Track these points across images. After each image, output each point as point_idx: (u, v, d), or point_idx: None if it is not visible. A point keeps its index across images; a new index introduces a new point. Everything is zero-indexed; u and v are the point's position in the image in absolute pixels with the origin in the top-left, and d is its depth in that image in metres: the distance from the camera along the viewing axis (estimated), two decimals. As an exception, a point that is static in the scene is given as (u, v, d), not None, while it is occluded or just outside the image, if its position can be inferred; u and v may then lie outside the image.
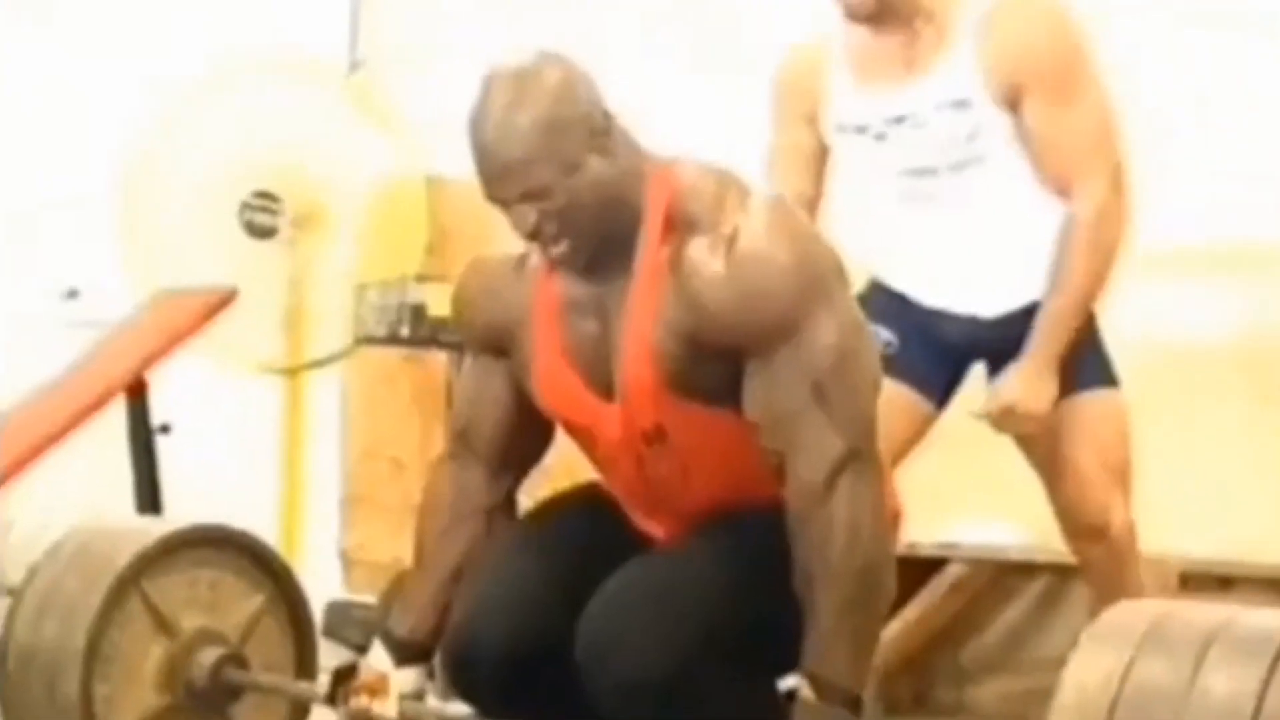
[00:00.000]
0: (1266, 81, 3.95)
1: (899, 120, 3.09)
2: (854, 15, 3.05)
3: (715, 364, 2.54)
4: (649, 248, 2.55)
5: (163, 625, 2.93)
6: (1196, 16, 3.94)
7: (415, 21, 5.17)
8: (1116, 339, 3.18)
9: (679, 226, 2.54)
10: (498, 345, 2.70)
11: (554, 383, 2.64)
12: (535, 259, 2.64)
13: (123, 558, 2.92)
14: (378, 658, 2.76)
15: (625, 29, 4.90)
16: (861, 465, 2.51)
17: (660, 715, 2.47)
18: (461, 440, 2.76)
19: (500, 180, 2.52)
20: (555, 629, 2.56)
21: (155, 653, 2.93)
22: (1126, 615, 2.14)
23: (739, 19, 4.74)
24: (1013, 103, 3.02)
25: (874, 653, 2.59)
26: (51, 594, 2.92)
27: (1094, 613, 3.19)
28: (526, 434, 2.74)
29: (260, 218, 4.67)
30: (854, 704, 2.55)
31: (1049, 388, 3.04)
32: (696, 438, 2.57)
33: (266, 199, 4.67)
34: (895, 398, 3.13)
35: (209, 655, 2.94)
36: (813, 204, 3.28)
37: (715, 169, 2.62)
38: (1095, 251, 3.01)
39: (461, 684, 2.67)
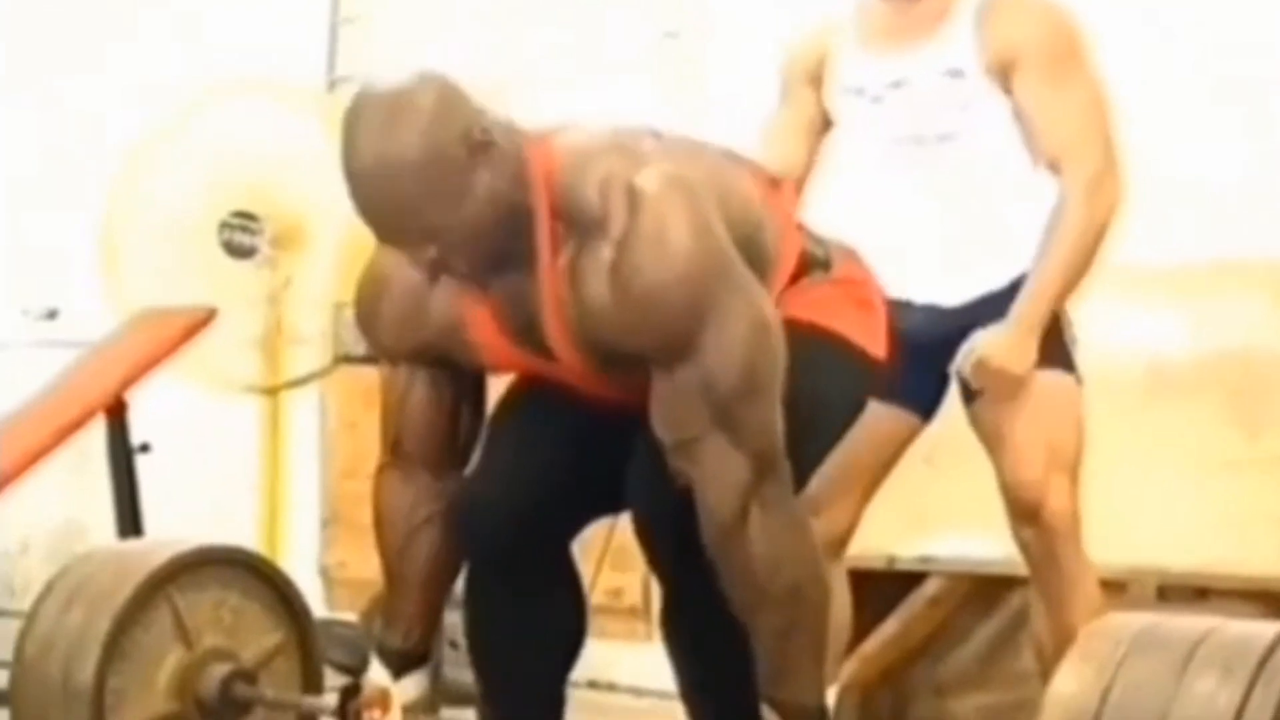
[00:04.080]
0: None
1: (896, 85, 3.14)
2: None
3: (636, 359, 2.52)
4: (545, 250, 2.50)
5: (183, 635, 2.96)
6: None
7: (394, 39, 5.18)
8: (1098, 352, 3.20)
9: (568, 223, 2.48)
10: (428, 355, 2.69)
11: (508, 360, 2.67)
12: None
13: (159, 559, 2.96)
14: (377, 673, 2.79)
15: (601, 48, 4.92)
16: (770, 481, 2.49)
17: None
18: (399, 450, 2.76)
19: (388, 229, 2.45)
20: (554, 488, 2.66)
21: (171, 660, 2.96)
22: (1111, 628, 2.16)
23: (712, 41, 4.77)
24: (1005, 78, 3.08)
25: (826, 656, 2.63)
26: (82, 586, 2.95)
27: (1033, 604, 3.23)
28: (462, 430, 2.75)
29: (239, 237, 4.66)
30: (819, 714, 2.58)
31: (1028, 352, 3.06)
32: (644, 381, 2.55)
33: (245, 218, 4.66)
34: (881, 417, 3.15)
35: (220, 669, 2.97)
36: (801, 178, 3.31)
37: (597, 135, 2.55)
38: (1085, 227, 3.04)
39: (475, 545, 2.71)
